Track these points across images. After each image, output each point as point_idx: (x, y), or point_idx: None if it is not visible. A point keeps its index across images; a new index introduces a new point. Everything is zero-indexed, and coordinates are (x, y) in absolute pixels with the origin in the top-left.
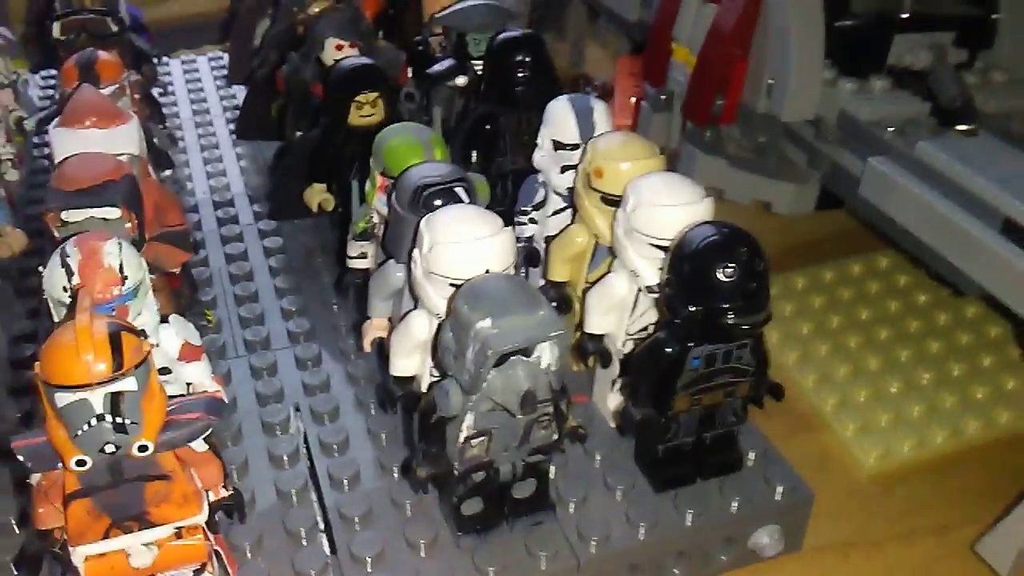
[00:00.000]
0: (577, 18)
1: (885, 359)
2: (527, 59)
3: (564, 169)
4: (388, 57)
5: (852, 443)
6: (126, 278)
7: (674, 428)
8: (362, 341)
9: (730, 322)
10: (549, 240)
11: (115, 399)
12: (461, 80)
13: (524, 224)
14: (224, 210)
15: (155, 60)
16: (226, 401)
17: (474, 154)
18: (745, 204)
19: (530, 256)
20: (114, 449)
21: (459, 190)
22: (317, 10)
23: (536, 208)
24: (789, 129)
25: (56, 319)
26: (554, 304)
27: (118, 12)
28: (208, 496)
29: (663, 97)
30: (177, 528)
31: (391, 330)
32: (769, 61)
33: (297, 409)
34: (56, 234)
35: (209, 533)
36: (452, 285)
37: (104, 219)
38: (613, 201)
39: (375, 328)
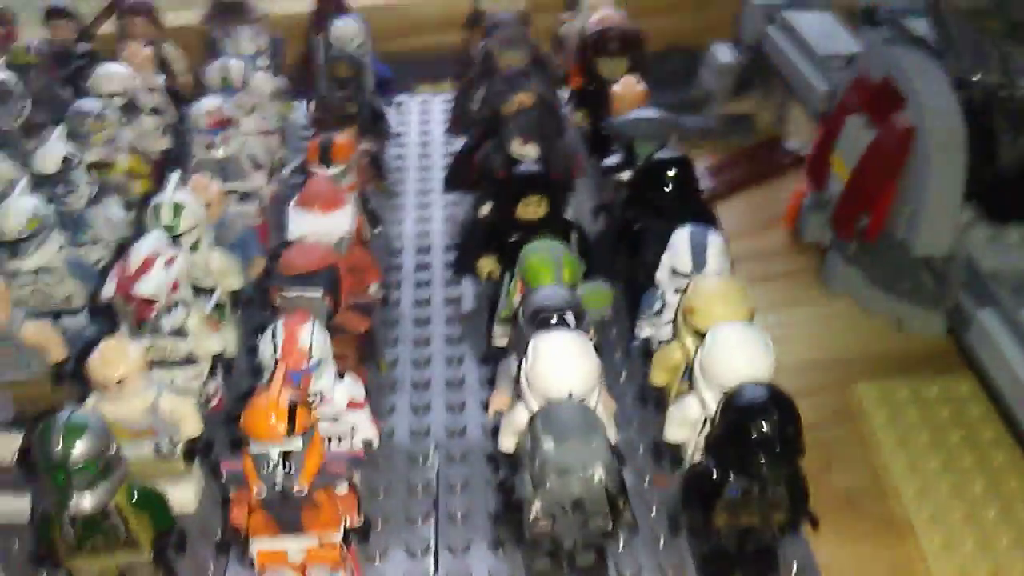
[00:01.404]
0: (779, 92)
1: (989, 483)
2: (674, 179)
3: (677, 291)
4: (566, 153)
5: (932, 557)
6: (312, 356)
7: (715, 538)
8: (489, 407)
9: (760, 472)
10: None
11: (286, 454)
12: (626, 175)
13: (643, 327)
14: (421, 257)
15: (392, 108)
16: (364, 458)
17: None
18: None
19: (645, 352)
20: (281, 488)
21: (568, 316)
22: (521, 99)
23: (655, 314)
24: (926, 259)
25: (264, 380)
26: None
27: (361, 92)
28: (345, 521)
29: (825, 199)
30: (321, 541)
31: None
32: (911, 192)
33: (436, 447)
34: (277, 302)
35: (344, 546)
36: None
37: (310, 297)
38: (702, 335)
39: (498, 401)
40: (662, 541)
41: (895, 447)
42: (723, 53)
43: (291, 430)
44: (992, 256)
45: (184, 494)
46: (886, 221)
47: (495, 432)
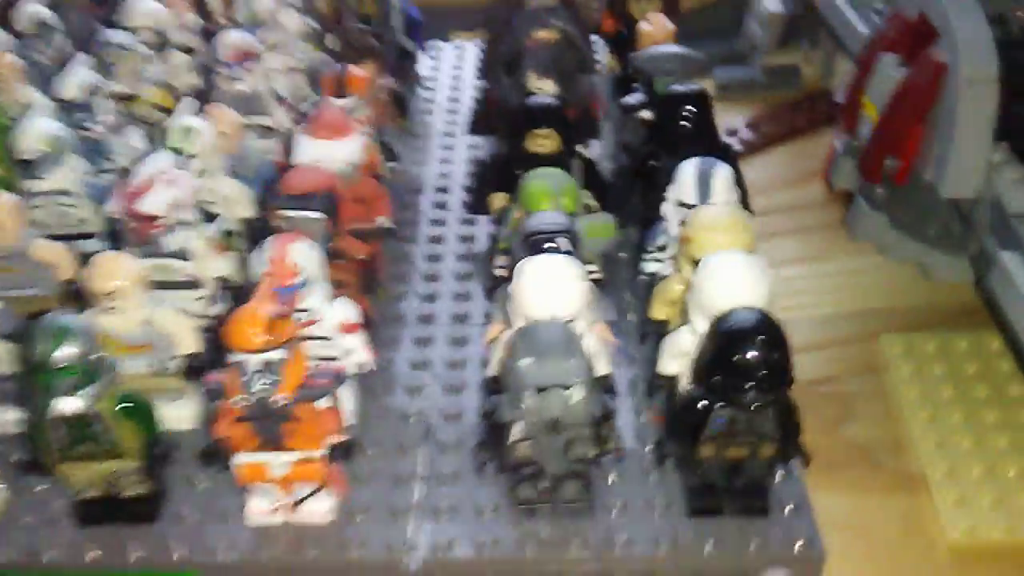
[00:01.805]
0: (827, 42)
1: (1012, 440)
2: (691, 113)
3: (682, 224)
4: (583, 91)
5: (945, 512)
6: (300, 273)
7: (702, 469)
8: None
9: (745, 399)
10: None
11: (267, 363)
12: (647, 114)
13: (647, 260)
14: (439, 196)
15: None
16: (351, 373)
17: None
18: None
19: (650, 289)
20: (262, 395)
21: (560, 240)
22: (542, 35)
23: (660, 249)
24: (953, 202)
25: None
26: (654, 334)
27: (386, 28)
28: (329, 438)
29: (854, 144)
30: (304, 456)
31: None
32: (940, 131)
33: (435, 377)
34: (276, 223)
35: (326, 463)
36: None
37: (307, 218)
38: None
39: (493, 329)
40: (651, 475)
41: (917, 401)
42: (771, 2)
43: (269, 340)
44: (1020, 198)
45: (182, 412)
46: (915, 163)
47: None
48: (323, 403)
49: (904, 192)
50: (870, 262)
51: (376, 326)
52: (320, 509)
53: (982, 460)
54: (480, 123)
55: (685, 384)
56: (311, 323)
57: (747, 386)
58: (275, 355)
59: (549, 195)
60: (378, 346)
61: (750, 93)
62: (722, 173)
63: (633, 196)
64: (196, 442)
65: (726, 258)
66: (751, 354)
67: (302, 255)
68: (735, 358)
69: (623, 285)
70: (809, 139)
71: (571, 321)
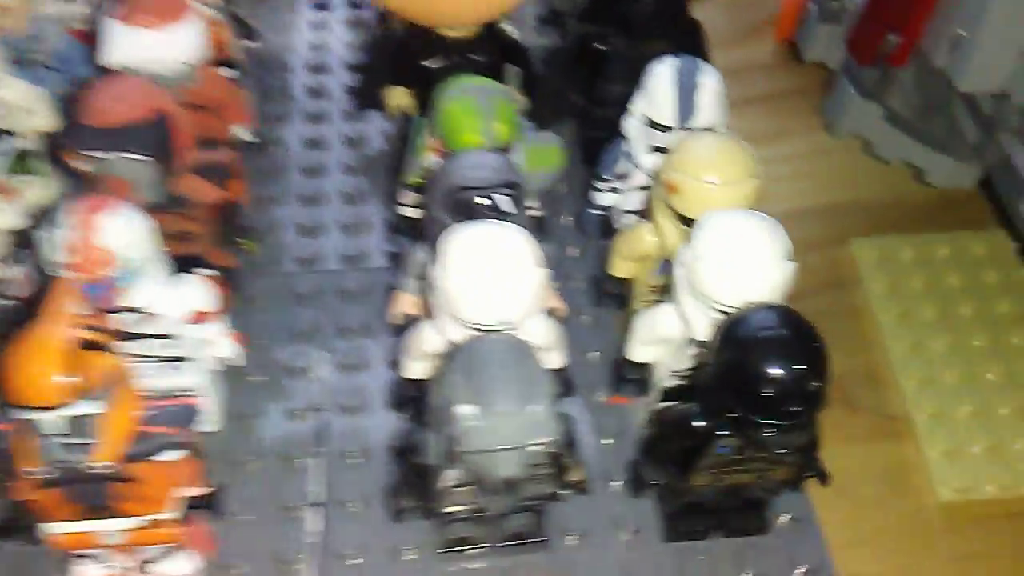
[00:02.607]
0: None
1: (1009, 370)
2: None
3: (653, 149)
4: None
5: (934, 465)
6: (121, 258)
7: (691, 496)
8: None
9: (763, 438)
10: (627, 215)
11: (75, 420)
12: None
13: (601, 192)
14: (315, 78)
15: None
16: (198, 408)
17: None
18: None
19: (604, 227)
20: (71, 465)
21: (500, 199)
22: None
23: (620, 178)
24: (968, 96)
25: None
26: (612, 294)
27: None
28: (180, 494)
29: (834, 3)
30: (147, 520)
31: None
32: (960, 7)
33: (330, 354)
34: (78, 169)
35: (181, 522)
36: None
37: (128, 162)
38: (688, 222)
39: (404, 301)
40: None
41: (895, 324)
42: None
43: (78, 388)
44: None
45: None
46: (921, 42)
47: (400, 331)
48: (168, 455)
49: (904, 78)
50: (840, 143)
51: (244, 288)
52: (178, 572)
53: (972, 397)
54: None
55: (668, 381)
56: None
57: (768, 423)
58: (85, 408)
59: (477, 121)
60: (249, 320)
61: None
62: (710, 81)
63: (571, 93)
64: None
65: (736, 224)
66: (778, 383)
67: (120, 230)
68: (755, 388)
69: (562, 221)
70: None
71: (521, 324)
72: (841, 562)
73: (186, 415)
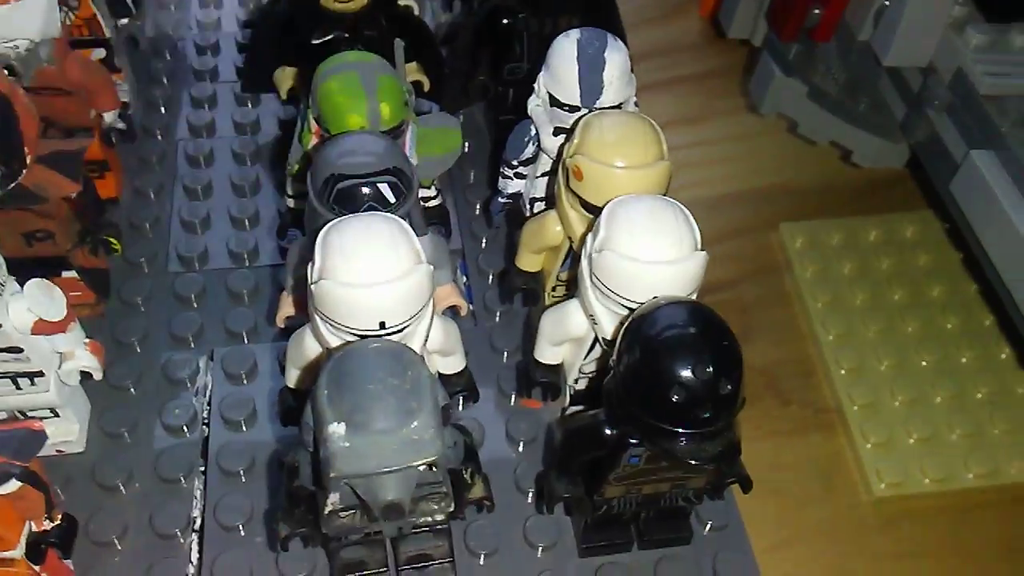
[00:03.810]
0: None
1: (943, 356)
2: None
3: (558, 132)
4: None
5: (867, 459)
6: None
7: (604, 508)
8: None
9: (674, 448)
10: (535, 203)
11: None
12: None
13: (509, 178)
14: (204, 60)
15: None
16: (45, 434)
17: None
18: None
19: (513, 216)
20: None
21: (383, 187)
22: None
23: (524, 164)
24: (894, 71)
25: None
26: (522, 290)
27: None
28: (27, 528)
29: None
30: None
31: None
32: None
33: (212, 357)
34: None
35: (30, 564)
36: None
37: None
38: (594, 210)
39: (287, 305)
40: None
41: (824, 311)
42: None
43: None
44: (992, 70)
45: None
46: (845, 16)
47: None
48: (7, 487)
49: (828, 54)
50: (768, 125)
51: (120, 290)
52: None
53: (905, 386)
54: None
55: (576, 383)
56: None
57: (682, 431)
58: None
59: (359, 102)
60: (126, 326)
61: None
62: (617, 57)
63: (475, 72)
64: None
65: (642, 211)
66: (688, 388)
67: None
68: (663, 393)
69: (467, 209)
70: None
71: (406, 327)
72: (770, 565)
73: (27, 443)
